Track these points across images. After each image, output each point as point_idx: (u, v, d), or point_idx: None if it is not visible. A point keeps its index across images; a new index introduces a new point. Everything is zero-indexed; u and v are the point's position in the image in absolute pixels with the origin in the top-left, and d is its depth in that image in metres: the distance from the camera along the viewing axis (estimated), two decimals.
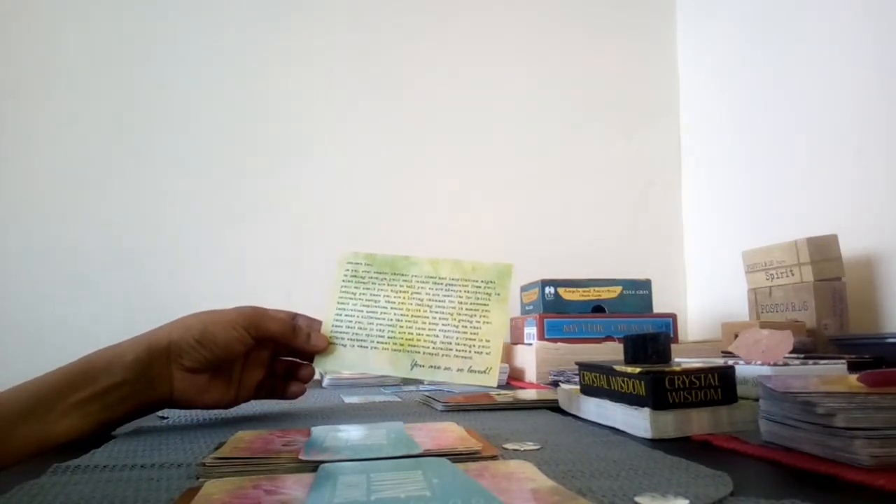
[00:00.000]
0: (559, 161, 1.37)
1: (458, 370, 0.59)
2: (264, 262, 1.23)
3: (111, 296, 1.17)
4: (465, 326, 0.61)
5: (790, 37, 1.09)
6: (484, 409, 0.61)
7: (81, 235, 1.18)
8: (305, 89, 1.29)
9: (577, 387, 0.58)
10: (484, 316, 0.61)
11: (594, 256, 1.33)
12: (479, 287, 0.62)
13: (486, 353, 0.59)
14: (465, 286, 0.63)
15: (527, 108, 1.37)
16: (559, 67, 1.39)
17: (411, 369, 0.60)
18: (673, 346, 0.57)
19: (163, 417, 0.60)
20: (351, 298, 0.64)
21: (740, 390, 0.48)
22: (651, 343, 0.51)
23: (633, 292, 1.03)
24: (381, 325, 0.62)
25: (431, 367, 0.59)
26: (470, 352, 0.59)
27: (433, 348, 0.60)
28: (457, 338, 0.60)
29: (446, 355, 0.60)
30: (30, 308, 1.15)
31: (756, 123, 1.17)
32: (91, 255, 1.18)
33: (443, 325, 0.61)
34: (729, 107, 1.26)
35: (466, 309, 0.62)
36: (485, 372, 0.58)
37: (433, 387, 0.83)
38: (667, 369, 0.45)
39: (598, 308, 1.01)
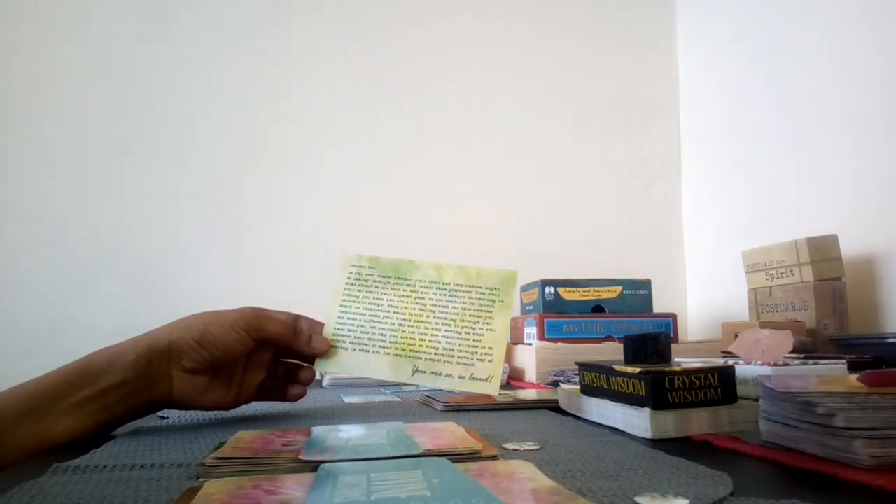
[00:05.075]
0: (559, 161, 1.37)
1: (460, 377, 0.58)
2: (266, 263, 1.23)
3: (113, 296, 1.17)
4: (468, 333, 0.60)
5: (789, 37, 1.09)
6: (484, 409, 0.60)
7: (84, 236, 1.18)
8: (306, 92, 1.29)
9: (577, 387, 0.58)
10: (487, 323, 0.60)
11: (594, 256, 1.33)
12: (483, 294, 0.62)
13: (489, 361, 0.59)
14: (469, 292, 0.62)
15: (527, 108, 1.37)
16: (559, 67, 1.39)
17: (412, 375, 0.59)
18: (673, 346, 0.57)
19: (163, 417, 0.60)
20: (354, 301, 0.63)
21: (740, 390, 0.48)
22: (651, 343, 0.52)
23: (633, 292, 1.03)
24: (383, 329, 0.61)
25: (433, 373, 0.59)
26: (472, 359, 0.59)
27: (435, 354, 0.59)
28: (459, 344, 0.60)
29: (448, 362, 0.59)
30: (31, 308, 1.15)
31: (756, 123, 1.17)
32: (93, 256, 1.18)
33: (445, 331, 0.60)
34: (729, 107, 1.26)
35: (469, 315, 0.61)
36: (487, 380, 0.58)
37: (433, 386, 0.83)
38: (667, 369, 0.45)
39: (598, 308, 1.01)
